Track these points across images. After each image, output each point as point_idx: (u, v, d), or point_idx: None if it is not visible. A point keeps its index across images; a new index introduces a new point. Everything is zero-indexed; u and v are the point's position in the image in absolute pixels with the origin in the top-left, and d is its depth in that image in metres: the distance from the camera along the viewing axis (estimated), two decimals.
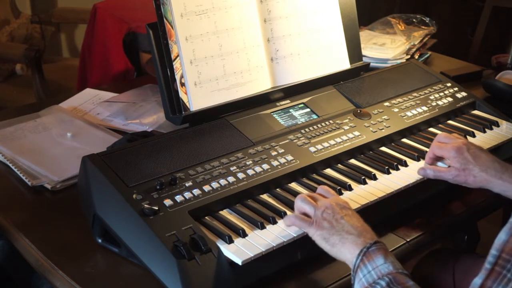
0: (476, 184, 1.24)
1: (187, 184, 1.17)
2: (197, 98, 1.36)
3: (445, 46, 2.39)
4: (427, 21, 2.20)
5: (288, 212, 1.16)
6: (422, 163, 1.35)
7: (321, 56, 1.55)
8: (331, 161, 1.34)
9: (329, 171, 1.32)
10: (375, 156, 1.38)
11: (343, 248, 1.04)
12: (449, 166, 1.28)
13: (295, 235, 1.10)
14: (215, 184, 1.18)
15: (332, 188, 1.23)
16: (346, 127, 1.42)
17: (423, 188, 1.31)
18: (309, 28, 1.53)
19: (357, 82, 1.59)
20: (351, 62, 1.60)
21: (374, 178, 1.29)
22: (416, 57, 2.03)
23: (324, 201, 1.10)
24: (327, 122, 1.42)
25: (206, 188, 1.17)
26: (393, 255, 1.02)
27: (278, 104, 1.45)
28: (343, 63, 1.59)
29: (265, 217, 1.15)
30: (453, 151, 1.25)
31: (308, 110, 1.46)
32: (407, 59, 1.94)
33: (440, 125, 1.55)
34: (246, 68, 1.43)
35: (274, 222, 1.13)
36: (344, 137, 1.38)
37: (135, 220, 1.08)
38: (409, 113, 1.51)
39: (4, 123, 1.60)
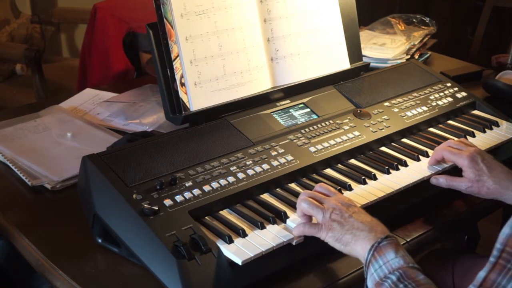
0: (489, 196, 1.23)
1: (187, 184, 1.17)
2: (197, 98, 1.36)
3: (445, 46, 2.39)
4: (427, 21, 2.20)
5: (288, 212, 1.16)
6: (422, 163, 1.35)
7: (321, 56, 1.55)
8: (331, 161, 1.34)
9: (329, 171, 1.32)
10: (375, 156, 1.38)
11: (356, 245, 1.04)
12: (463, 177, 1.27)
13: (295, 236, 1.11)
14: (215, 184, 1.18)
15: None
16: (346, 127, 1.42)
17: (423, 188, 1.31)
18: (309, 28, 1.53)
19: (357, 82, 1.59)
20: (351, 62, 1.60)
21: (374, 178, 1.29)
22: (416, 57, 2.03)
23: (330, 202, 1.10)
24: (327, 122, 1.42)
25: (206, 188, 1.17)
26: (404, 249, 1.02)
27: (278, 104, 1.45)
28: (343, 63, 1.59)
29: (265, 217, 1.14)
30: (467, 160, 1.24)
31: (308, 110, 1.46)
32: (407, 59, 1.94)
33: (440, 125, 1.55)
34: (246, 68, 1.43)
35: (274, 222, 1.14)
36: (344, 137, 1.38)
37: (135, 220, 1.08)
38: (409, 113, 1.51)
39: (4, 123, 1.60)
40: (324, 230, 1.07)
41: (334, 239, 1.06)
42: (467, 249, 2.04)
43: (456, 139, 1.40)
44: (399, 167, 1.33)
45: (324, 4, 1.56)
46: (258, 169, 1.24)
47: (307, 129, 1.39)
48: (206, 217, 1.15)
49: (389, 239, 1.02)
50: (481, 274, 0.91)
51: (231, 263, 1.05)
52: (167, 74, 1.33)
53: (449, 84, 1.67)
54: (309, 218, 1.12)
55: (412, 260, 1.01)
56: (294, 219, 1.14)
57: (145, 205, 1.09)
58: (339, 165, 1.35)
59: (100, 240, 1.17)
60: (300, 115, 1.44)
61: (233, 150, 1.28)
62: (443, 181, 1.28)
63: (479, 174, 1.23)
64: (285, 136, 1.35)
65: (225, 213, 1.17)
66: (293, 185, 1.27)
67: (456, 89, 1.66)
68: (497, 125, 1.55)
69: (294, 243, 1.10)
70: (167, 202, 1.12)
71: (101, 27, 2.32)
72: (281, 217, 1.15)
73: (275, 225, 1.13)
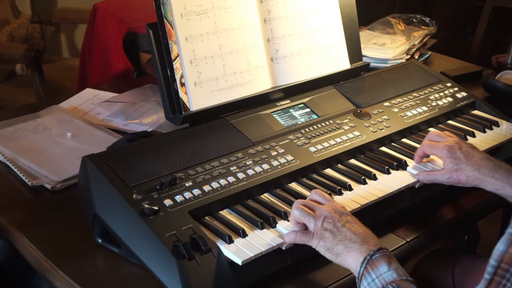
0: (469, 183, 1.23)
1: (187, 184, 1.17)
2: (197, 98, 1.36)
3: (445, 46, 2.39)
4: (427, 21, 2.20)
5: (288, 213, 1.16)
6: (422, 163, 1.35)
7: (321, 56, 1.55)
8: (331, 161, 1.34)
9: (329, 171, 1.32)
10: (375, 156, 1.38)
11: (348, 256, 1.03)
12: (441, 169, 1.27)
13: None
14: (215, 184, 1.18)
15: (332, 188, 1.24)
16: (346, 127, 1.42)
17: (423, 188, 1.31)
18: (309, 28, 1.53)
19: (357, 82, 1.59)
20: (351, 62, 1.60)
21: (374, 178, 1.29)
22: (416, 57, 2.03)
23: (322, 210, 1.08)
24: (327, 122, 1.42)
25: (206, 188, 1.17)
26: (397, 261, 1.01)
27: (278, 104, 1.45)
28: (343, 63, 1.59)
29: (265, 217, 1.14)
30: (445, 150, 1.24)
31: (308, 110, 1.46)
32: (407, 59, 1.94)
33: (440, 125, 1.55)
34: (246, 68, 1.43)
35: (274, 222, 1.13)
36: (344, 137, 1.38)
37: (135, 220, 1.08)
38: (409, 113, 1.51)
39: (4, 123, 1.60)
40: (315, 239, 1.06)
41: (326, 248, 1.05)
42: (467, 249, 2.04)
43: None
44: (399, 167, 1.33)
45: (324, 4, 1.56)
46: (258, 169, 1.24)
47: (307, 129, 1.39)
48: (206, 217, 1.15)
49: (382, 251, 1.01)
50: None
51: (231, 263, 1.05)
52: (167, 74, 1.33)
53: (449, 84, 1.67)
54: (303, 226, 1.10)
55: (406, 273, 1.00)
56: (286, 226, 1.12)
57: (145, 205, 1.09)
58: (339, 165, 1.35)
59: (100, 240, 1.17)
60: (300, 115, 1.44)
61: (233, 150, 1.28)
62: (423, 177, 1.27)
63: (457, 163, 1.22)
64: (285, 136, 1.35)
65: (225, 213, 1.17)
66: (293, 185, 1.27)
67: (456, 89, 1.66)
68: (497, 125, 1.55)
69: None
70: (167, 202, 1.12)
71: (101, 27, 2.32)
72: (281, 217, 1.15)
73: (275, 225, 1.13)
